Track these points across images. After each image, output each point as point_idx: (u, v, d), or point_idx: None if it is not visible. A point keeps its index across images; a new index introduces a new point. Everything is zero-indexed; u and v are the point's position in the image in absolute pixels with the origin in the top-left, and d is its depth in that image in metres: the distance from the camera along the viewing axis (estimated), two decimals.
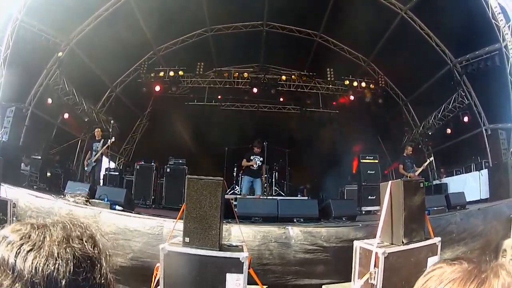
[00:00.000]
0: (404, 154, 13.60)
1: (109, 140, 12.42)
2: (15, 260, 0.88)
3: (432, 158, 14.20)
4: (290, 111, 20.06)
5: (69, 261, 0.89)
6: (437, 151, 16.66)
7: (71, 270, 0.89)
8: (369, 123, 18.16)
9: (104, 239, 1.08)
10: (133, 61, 17.37)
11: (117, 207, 8.54)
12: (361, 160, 14.39)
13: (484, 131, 14.20)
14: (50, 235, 0.94)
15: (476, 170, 14.13)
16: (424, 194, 5.61)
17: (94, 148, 12.74)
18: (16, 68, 12.08)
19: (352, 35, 15.99)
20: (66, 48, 14.19)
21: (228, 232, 6.85)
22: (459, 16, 12.36)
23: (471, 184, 13.76)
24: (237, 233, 6.63)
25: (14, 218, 7.32)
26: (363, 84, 17.43)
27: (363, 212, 12.94)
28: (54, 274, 0.87)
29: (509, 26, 11.85)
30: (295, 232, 7.14)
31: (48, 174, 14.42)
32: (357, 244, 5.64)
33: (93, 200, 8.58)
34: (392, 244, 5.36)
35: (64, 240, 0.94)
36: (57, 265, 0.88)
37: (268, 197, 12.28)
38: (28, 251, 0.90)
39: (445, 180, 15.94)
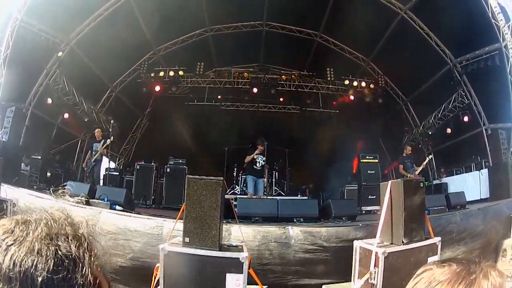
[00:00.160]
0: (404, 154, 13.61)
1: (108, 140, 12.42)
2: None
3: (431, 156, 14.20)
4: (290, 111, 20.06)
5: (49, 259, 0.88)
6: (437, 151, 16.65)
7: (50, 268, 0.87)
8: (369, 123, 18.15)
9: (95, 238, 1.04)
10: (133, 61, 17.37)
11: (117, 207, 8.53)
12: (361, 160, 14.40)
13: (484, 131, 14.20)
14: (33, 231, 0.93)
15: (476, 170, 14.13)
16: (424, 193, 5.61)
17: (94, 148, 12.74)
18: (16, 68, 12.07)
19: (352, 35, 15.97)
20: (66, 48, 14.19)
21: (228, 232, 6.85)
22: (459, 16, 12.36)
23: (471, 184, 13.76)
24: (237, 233, 6.63)
25: None
26: (363, 84, 17.42)
27: (363, 212, 12.94)
28: (31, 270, 0.86)
29: (509, 26, 11.85)
30: (295, 232, 7.14)
31: (48, 174, 14.45)
32: (357, 244, 5.64)
33: (93, 200, 8.58)
34: (392, 244, 5.36)
35: (47, 237, 0.92)
36: (35, 262, 0.87)
37: (268, 197, 12.26)
38: (9, 246, 0.89)
39: (445, 179, 15.95)
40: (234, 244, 5.63)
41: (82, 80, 15.47)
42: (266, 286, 5.92)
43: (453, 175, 15.79)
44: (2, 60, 11.86)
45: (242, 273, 4.69)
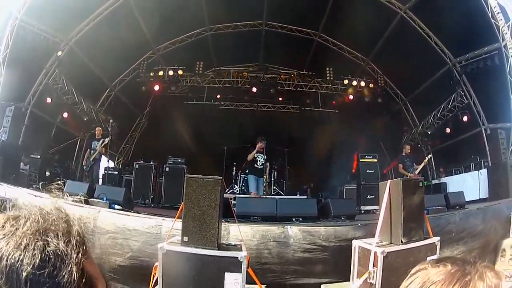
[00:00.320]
0: (403, 154, 13.63)
1: (107, 139, 12.42)
2: None
3: (430, 155, 14.21)
4: (289, 110, 20.08)
5: (35, 254, 0.89)
6: (436, 151, 16.66)
7: (36, 264, 0.88)
8: (368, 122, 18.17)
9: (87, 235, 1.06)
10: (132, 60, 17.38)
11: (116, 206, 8.52)
12: (360, 160, 14.41)
13: (483, 131, 14.22)
14: (23, 227, 0.94)
15: (475, 170, 14.15)
16: (423, 193, 5.60)
17: (93, 146, 12.77)
18: (15, 68, 12.07)
19: (351, 34, 15.98)
20: (65, 47, 14.19)
21: (227, 232, 6.85)
22: (458, 16, 12.36)
23: (470, 184, 13.77)
24: (236, 233, 6.62)
25: None
26: (362, 84, 17.45)
27: (362, 212, 12.94)
28: (17, 264, 0.87)
29: (508, 26, 11.85)
30: (294, 231, 7.13)
31: (47, 173, 14.44)
32: (356, 243, 5.64)
33: (92, 199, 8.58)
34: (391, 243, 5.36)
35: (36, 233, 0.93)
36: (21, 257, 0.88)
37: (267, 196, 12.25)
38: None
39: (444, 179, 15.97)
40: (233, 243, 5.62)
41: (81, 80, 15.47)
42: (265, 286, 5.91)
43: (452, 174, 15.81)
44: (2, 59, 11.86)
45: (240, 272, 4.68)
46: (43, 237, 0.93)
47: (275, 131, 17.25)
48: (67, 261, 0.91)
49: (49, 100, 14.30)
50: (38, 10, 12.22)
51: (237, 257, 4.74)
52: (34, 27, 12.67)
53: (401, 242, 5.20)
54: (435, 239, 5.49)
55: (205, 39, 17.77)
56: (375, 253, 4.98)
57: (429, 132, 16.83)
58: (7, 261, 0.87)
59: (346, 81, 17.54)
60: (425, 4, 13.75)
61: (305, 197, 14.41)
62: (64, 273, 0.89)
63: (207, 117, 18.73)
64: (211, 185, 4.95)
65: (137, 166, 14.00)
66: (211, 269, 4.73)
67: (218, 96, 18.88)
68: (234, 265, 4.70)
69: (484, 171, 13.40)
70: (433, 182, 16.35)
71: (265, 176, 12.65)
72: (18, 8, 12.01)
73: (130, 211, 8.44)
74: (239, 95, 18.91)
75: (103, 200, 8.55)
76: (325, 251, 7.03)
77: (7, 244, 0.90)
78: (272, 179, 14.99)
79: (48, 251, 0.91)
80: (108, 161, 14.00)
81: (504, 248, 8.07)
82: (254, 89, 17.85)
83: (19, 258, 0.88)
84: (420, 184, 5.62)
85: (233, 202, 9.74)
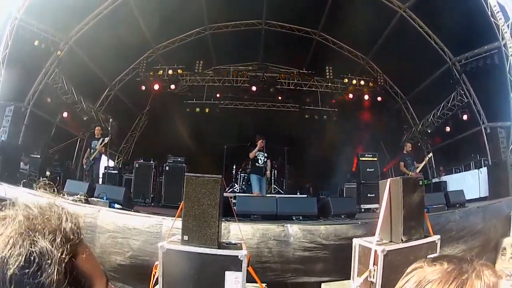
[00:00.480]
0: (404, 152, 13.61)
1: (106, 138, 12.42)
2: None
3: (431, 154, 14.20)
4: (289, 109, 20.09)
5: (20, 254, 0.89)
6: (436, 149, 16.68)
7: (20, 264, 0.88)
8: (368, 121, 18.18)
9: (81, 231, 1.06)
10: (132, 59, 17.38)
11: (116, 205, 8.52)
12: (360, 158, 14.39)
13: (483, 130, 14.22)
14: (11, 227, 0.95)
15: (475, 168, 14.16)
16: (423, 191, 5.60)
17: (93, 146, 12.76)
18: (15, 67, 12.08)
19: (351, 33, 15.98)
20: (65, 47, 14.19)
21: (227, 230, 6.85)
22: (458, 15, 12.37)
23: (470, 182, 13.77)
24: (236, 231, 6.62)
25: None
26: (362, 82, 17.47)
27: (362, 210, 12.93)
28: (2, 264, 0.88)
29: (508, 25, 11.85)
30: (294, 230, 7.13)
31: (47, 173, 14.41)
32: (356, 241, 5.63)
33: (92, 198, 8.58)
34: (391, 242, 5.36)
35: (24, 233, 0.93)
36: (7, 256, 0.89)
37: (267, 195, 12.24)
38: None
39: (444, 178, 15.98)
40: (233, 242, 5.62)
41: (81, 79, 15.47)
42: (265, 284, 5.90)
43: (453, 173, 15.82)
44: (1, 59, 11.87)
45: (241, 271, 4.68)
46: (29, 236, 0.93)
47: (275, 130, 17.22)
48: (51, 261, 0.91)
49: (49, 99, 14.31)
50: (38, 9, 12.22)
51: (238, 256, 4.74)
52: (34, 26, 12.67)
53: (401, 240, 5.20)
54: (435, 238, 5.49)
55: (204, 38, 17.78)
56: (376, 251, 4.97)
57: (429, 131, 16.84)
58: None
59: (345, 80, 17.56)
60: (424, 3, 13.75)
61: (305, 195, 14.39)
62: (48, 273, 0.89)
63: (206, 116, 18.73)
64: (211, 184, 4.95)
65: (137, 165, 13.98)
66: (211, 268, 4.73)
67: (218, 95, 18.88)
68: (234, 264, 4.70)
69: (484, 170, 13.41)
70: (433, 180, 16.37)
71: (267, 174, 12.59)
72: (17, 7, 12.02)
73: (130, 210, 8.44)
74: (238, 94, 18.93)
75: (103, 199, 8.55)
76: (325, 250, 7.03)
77: None
78: (272, 178, 14.98)
79: (33, 251, 0.91)
80: (108, 160, 14.00)
81: (505, 247, 8.08)
82: (254, 88, 17.85)
83: (4, 258, 0.88)
84: (420, 183, 5.61)
85: (233, 201, 9.73)
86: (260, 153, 12.24)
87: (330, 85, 18.15)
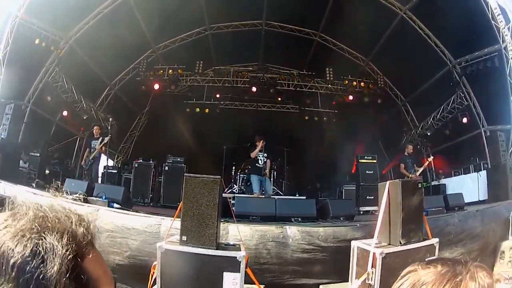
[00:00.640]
0: (405, 153, 13.57)
1: (106, 138, 12.41)
2: None
3: (432, 158, 14.18)
4: (289, 110, 20.10)
5: (27, 246, 0.95)
6: (435, 152, 16.63)
7: (25, 254, 0.94)
8: (368, 123, 18.16)
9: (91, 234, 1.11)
10: (132, 59, 17.38)
11: (115, 205, 8.53)
12: (360, 160, 14.40)
13: (483, 133, 14.21)
14: (22, 222, 1.02)
15: (474, 171, 14.16)
16: (422, 194, 5.60)
17: (92, 145, 12.76)
18: (15, 66, 12.09)
19: (351, 35, 15.99)
20: (65, 46, 14.19)
21: (225, 231, 6.84)
22: (458, 17, 12.37)
23: (469, 185, 13.77)
24: (235, 232, 6.62)
25: None
26: (362, 84, 17.50)
27: (361, 212, 12.94)
28: (8, 251, 0.94)
29: (508, 28, 11.86)
30: (292, 231, 7.13)
31: (47, 171, 14.43)
32: (354, 244, 5.63)
33: (91, 197, 8.58)
34: (390, 244, 5.36)
35: (34, 228, 1.00)
36: (14, 246, 0.95)
37: (265, 196, 12.23)
38: None
39: (443, 181, 15.96)
40: (231, 243, 5.62)
41: (81, 78, 15.46)
42: (264, 286, 5.90)
43: (452, 176, 15.82)
44: (2, 57, 11.87)
45: (239, 272, 4.68)
46: (38, 232, 0.98)
47: (274, 131, 17.21)
48: (54, 256, 0.96)
49: (49, 98, 14.30)
50: (38, 8, 12.23)
51: (236, 257, 4.73)
52: (34, 25, 12.66)
53: (400, 243, 5.20)
54: (434, 241, 5.49)
55: (205, 38, 17.78)
56: (374, 254, 4.97)
57: (429, 134, 16.82)
58: (0, 248, 0.94)
59: (346, 82, 17.57)
60: (425, 5, 13.74)
61: (304, 197, 14.39)
62: (50, 266, 0.94)
63: (206, 117, 18.73)
64: (210, 184, 4.95)
65: (136, 165, 13.98)
66: (209, 269, 4.73)
67: (218, 96, 18.86)
68: (232, 265, 4.70)
69: (483, 173, 13.41)
70: (433, 183, 16.35)
71: (266, 173, 12.51)
72: (18, 6, 12.02)
73: (129, 210, 8.43)
74: (238, 95, 18.92)
75: (102, 198, 8.56)
76: (324, 252, 7.03)
77: (4, 235, 0.97)
78: (272, 179, 14.99)
79: (39, 245, 0.96)
80: (107, 160, 13.99)
81: (503, 250, 8.08)
82: (254, 89, 17.84)
83: (11, 247, 0.94)
84: (419, 185, 5.62)
85: (232, 201, 9.73)
86: (260, 153, 12.22)
87: (330, 87, 18.15)
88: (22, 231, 0.98)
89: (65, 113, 15.52)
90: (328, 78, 17.65)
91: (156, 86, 17.16)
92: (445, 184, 15.38)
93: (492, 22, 11.96)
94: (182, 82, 18.07)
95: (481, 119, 14.31)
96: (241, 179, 15.15)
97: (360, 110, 18.11)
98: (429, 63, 15.22)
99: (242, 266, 4.70)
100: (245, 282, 4.82)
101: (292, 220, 8.60)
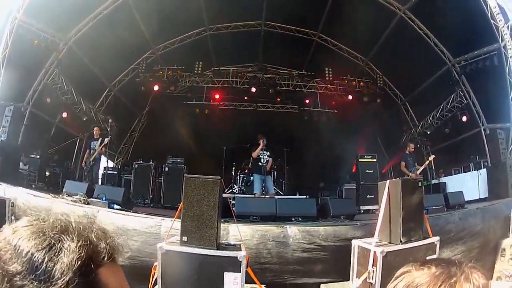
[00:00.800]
0: (406, 152, 13.53)
1: (106, 139, 12.41)
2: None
3: (433, 157, 14.15)
4: (288, 110, 20.08)
5: (43, 241, 1.03)
6: (435, 151, 16.62)
7: (39, 248, 1.02)
8: (368, 122, 18.18)
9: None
10: (131, 60, 17.36)
11: (115, 206, 8.53)
12: (360, 159, 14.39)
13: (482, 131, 14.20)
14: (46, 225, 1.09)
15: (474, 170, 14.16)
16: (422, 193, 5.61)
17: (92, 147, 12.76)
18: (14, 67, 12.08)
19: (350, 34, 15.97)
20: (64, 47, 14.18)
21: (226, 231, 6.84)
22: (458, 16, 12.36)
23: (469, 184, 13.77)
24: (235, 232, 6.62)
25: (12, 217, 7.32)
26: (362, 84, 17.48)
27: (362, 211, 12.93)
28: (24, 242, 1.03)
29: (508, 26, 11.86)
30: (293, 231, 7.13)
31: (47, 173, 14.42)
32: (355, 243, 5.63)
33: (91, 199, 8.58)
34: (390, 243, 5.36)
35: (54, 230, 1.07)
36: (31, 239, 1.04)
37: (266, 196, 12.22)
38: (23, 226, 1.08)
39: (443, 179, 15.96)
40: (232, 243, 5.63)
41: (80, 79, 15.46)
42: (264, 285, 5.91)
43: (452, 174, 15.82)
44: (1, 59, 11.87)
45: (240, 272, 4.68)
46: (58, 234, 1.05)
47: (274, 131, 17.19)
48: (69, 253, 1.02)
49: (48, 100, 14.27)
50: (38, 9, 12.23)
51: (236, 257, 4.74)
52: (33, 26, 12.66)
53: (401, 241, 5.20)
54: (435, 239, 5.49)
55: (204, 39, 17.76)
56: (375, 252, 4.98)
57: (429, 132, 16.82)
58: (18, 240, 1.03)
59: (345, 81, 17.56)
60: (424, 5, 13.73)
61: (304, 196, 14.38)
62: (60, 260, 1.01)
63: (206, 117, 18.73)
64: (210, 185, 4.95)
65: (136, 166, 13.98)
66: (210, 269, 4.73)
67: (217, 96, 18.83)
68: (233, 265, 4.70)
69: (483, 171, 13.41)
70: (433, 182, 16.34)
71: (266, 171, 12.41)
72: (17, 7, 12.02)
73: (129, 211, 8.44)
74: (238, 95, 18.91)
75: (102, 200, 8.56)
76: (324, 251, 7.03)
77: (25, 231, 1.06)
78: (272, 179, 14.97)
79: (55, 243, 1.03)
80: (107, 161, 14.00)
81: (504, 248, 8.08)
82: (253, 89, 17.81)
83: (28, 239, 1.03)
84: (419, 184, 5.63)
85: (232, 202, 9.73)
86: (262, 152, 12.18)
87: (330, 87, 18.13)
88: (43, 230, 1.05)
89: (64, 114, 15.49)
90: (327, 78, 17.62)
91: (156, 87, 17.14)
92: (445, 182, 15.37)
93: (491, 21, 11.96)
94: (181, 83, 18.06)
95: (480, 117, 14.31)
96: (241, 179, 15.15)
97: (359, 109, 18.12)
98: (428, 62, 15.21)
99: (243, 266, 4.70)
100: (246, 282, 4.83)
101: (293, 219, 8.60)
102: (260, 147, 12.05)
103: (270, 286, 6.68)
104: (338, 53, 17.92)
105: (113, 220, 7.12)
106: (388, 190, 5.44)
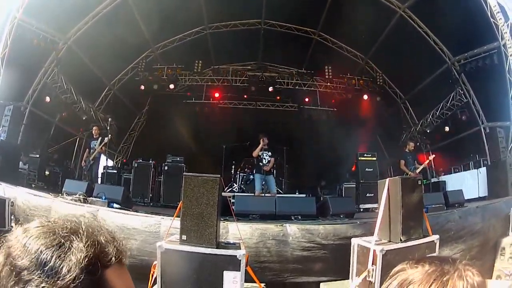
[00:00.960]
0: (406, 150, 13.49)
1: (106, 138, 12.40)
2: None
3: (433, 156, 14.14)
4: (288, 109, 20.06)
5: (52, 240, 1.06)
6: (435, 149, 16.65)
7: (47, 247, 1.05)
8: (367, 121, 18.15)
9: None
10: (131, 59, 17.38)
11: (115, 205, 8.54)
12: (359, 158, 14.37)
13: (482, 129, 14.20)
14: (56, 225, 1.12)
15: (474, 168, 14.16)
16: (422, 191, 5.60)
17: (92, 146, 12.74)
18: (14, 67, 12.07)
19: (350, 33, 15.98)
20: (64, 46, 14.17)
21: (225, 230, 6.85)
22: (457, 15, 12.36)
23: (469, 182, 13.77)
24: (235, 231, 6.62)
25: (12, 217, 7.32)
26: (361, 82, 17.45)
27: (361, 210, 12.92)
28: (34, 239, 1.07)
29: (507, 25, 11.85)
30: (292, 229, 7.14)
31: (47, 172, 14.43)
32: (355, 241, 5.63)
33: (90, 198, 8.58)
34: (390, 241, 5.36)
35: (64, 230, 1.10)
36: (41, 238, 1.07)
37: (265, 195, 12.20)
38: (34, 227, 1.11)
39: (443, 178, 15.97)
40: (231, 242, 5.62)
41: (80, 79, 15.46)
42: (264, 284, 5.90)
43: (452, 173, 15.82)
44: (0, 58, 11.86)
45: (239, 270, 4.68)
46: (68, 235, 1.09)
47: (274, 129, 17.15)
48: (76, 252, 1.05)
49: (48, 99, 14.25)
50: (37, 8, 12.21)
51: (236, 256, 4.74)
52: (33, 26, 12.65)
53: (400, 240, 5.20)
54: (434, 237, 5.49)
55: (204, 38, 17.76)
56: (374, 251, 4.98)
57: (428, 131, 16.83)
58: (28, 238, 1.07)
59: (345, 80, 17.55)
60: (424, 3, 13.73)
61: (304, 195, 14.38)
62: (68, 258, 1.04)
63: (205, 116, 18.72)
64: (210, 183, 4.95)
65: (136, 165, 13.95)
66: (209, 268, 4.73)
67: (217, 95, 18.82)
68: (232, 264, 4.70)
69: (483, 170, 13.41)
70: (432, 180, 16.35)
71: (266, 171, 12.38)
72: (17, 6, 12.00)
73: (129, 210, 8.45)
74: (238, 94, 18.91)
75: (102, 199, 8.57)
76: (324, 250, 7.03)
77: (36, 231, 1.09)
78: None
79: (64, 244, 1.06)
80: (106, 160, 13.99)
81: (504, 247, 8.08)
82: (253, 88, 17.81)
83: (38, 238, 1.07)
84: (419, 182, 5.62)
85: (232, 200, 9.73)
86: (264, 152, 12.15)
87: (329, 85, 18.11)
88: (53, 230, 1.09)
89: (64, 114, 15.50)
90: (327, 77, 17.62)
91: (155, 86, 17.12)
92: (445, 181, 15.39)
93: (491, 19, 11.95)
94: (181, 81, 18.04)
95: (480, 116, 14.31)
96: (240, 178, 15.14)
97: (359, 108, 18.10)
98: (428, 61, 15.21)
99: (242, 264, 4.70)
100: (246, 281, 4.83)
101: (292, 218, 8.61)
102: (260, 146, 12.01)
103: (269, 285, 6.67)
104: (338, 52, 17.94)
105: (112, 219, 7.13)
106: (388, 188, 5.44)
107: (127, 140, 20.80)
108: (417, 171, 12.97)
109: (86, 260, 1.04)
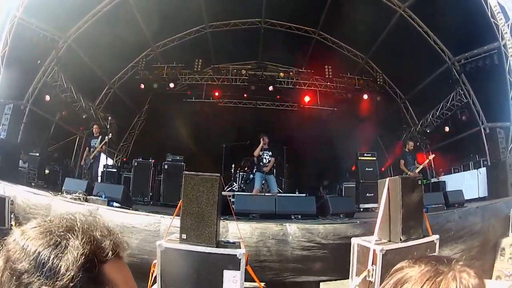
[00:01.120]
0: (406, 150, 13.48)
1: (106, 137, 12.40)
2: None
3: (433, 156, 14.13)
4: (288, 108, 20.04)
5: (50, 240, 1.06)
6: (435, 149, 16.64)
7: (45, 246, 1.05)
8: (367, 120, 18.14)
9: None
10: (131, 58, 17.38)
11: (115, 203, 8.53)
12: (359, 158, 14.37)
13: (482, 130, 14.20)
14: (53, 224, 1.13)
15: (474, 168, 14.18)
16: (422, 191, 5.59)
17: (92, 144, 12.73)
18: (14, 65, 12.07)
19: (350, 32, 16.00)
20: (64, 45, 14.17)
21: (225, 229, 6.84)
22: (458, 15, 12.36)
23: (469, 182, 13.78)
24: (235, 230, 6.62)
25: (12, 215, 7.32)
26: (361, 82, 17.44)
27: (361, 209, 12.92)
28: (32, 241, 1.07)
29: (508, 25, 11.85)
30: (292, 229, 7.13)
31: (46, 171, 14.43)
32: (354, 241, 5.63)
33: (90, 196, 8.58)
34: (390, 241, 5.35)
35: (60, 229, 1.11)
36: (38, 238, 1.07)
37: (265, 194, 12.20)
38: (31, 228, 1.12)
39: (443, 178, 15.97)
40: (231, 241, 5.62)
41: (80, 77, 15.46)
42: (264, 283, 5.91)
43: (452, 173, 15.83)
44: (0, 57, 11.85)
45: (239, 269, 4.68)
46: (64, 233, 1.09)
47: (273, 128, 17.16)
48: (73, 250, 1.05)
49: (47, 98, 14.25)
50: (37, 7, 12.21)
51: (236, 255, 4.73)
52: (33, 24, 12.64)
53: (400, 240, 5.20)
54: (434, 237, 5.48)
55: (204, 37, 17.76)
56: (374, 251, 4.97)
57: (428, 131, 16.83)
58: (26, 240, 1.07)
59: (345, 79, 17.54)
60: (424, 3, 13.72)
61: (304, 194, 14.37)
62: (65, 257, 1.04)
63: (205, 115, 18.70)
64: (209, 182, 4.94)
65: (136, 164, 13.93)
66: (209, 267, 4.73)
67: (217, 94, 18.79)
68: (232, 263, 4.70)
69: (483, 170, 13.42)
70: (432, 180, 16.35)
71: (266, 170, 12.36)
72: (17, 5, 11.99)
73: (129, 209, 8.44)
74: (238, 93, 18.92)
75: (101, 197, 8.57)
76: (324, 249, 7.03)
77: (34, 232, 1.10)
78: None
79: (60, 242, 1.06)
80: (106, 159, 13.99)
81: (504, 247, 8.08)
82: (253, 87, 17.80)
83: (35, 239, 1.07)
84: (419, 182, 5.61)
85: (232, 199, 9.73)
86: (265, 151, 12.15)
87: (329, 84, 18.11)
88: (50, 230, 1.09)
89: (64, 112, 15.49)
90: (327, 76, 17.62)
91: (155, 85, 17.11)
92: (444, 181, 15.39)
93: (492, 20, 11.95)
94: (181, 80, 18.03)
95: (480, 116, 14.31)
96: (240, 177, 15.12)
97: (359, 107, 18.10)
98: (428, 61, 15.21)
99: (242, 263, 4.69)
100: (245, 280, 4.83)
101: (292, 217, 8.61)
102: (260, 145, 12.01)
103: (269, 284, 6.68)
104: (338, 51, 17.94)
105: (112, 218, 7.11)
106: (388, 188, 5.43)
107: (127, 139, 20.79)
108: (417, 171, 12.97)
109: (83, 258, 1.04)
